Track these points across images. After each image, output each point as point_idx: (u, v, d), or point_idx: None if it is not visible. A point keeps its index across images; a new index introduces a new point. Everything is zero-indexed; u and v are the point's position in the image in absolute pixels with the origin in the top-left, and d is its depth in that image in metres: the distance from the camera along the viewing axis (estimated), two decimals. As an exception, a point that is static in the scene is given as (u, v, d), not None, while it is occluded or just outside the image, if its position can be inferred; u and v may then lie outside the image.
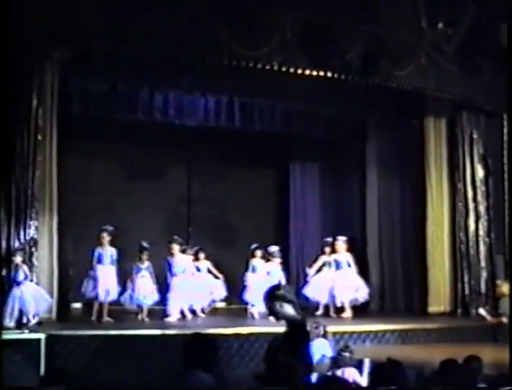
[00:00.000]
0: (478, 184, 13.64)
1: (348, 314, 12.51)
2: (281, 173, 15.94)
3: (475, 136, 13.71)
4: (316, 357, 8.20)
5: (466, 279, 13.40)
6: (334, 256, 12.88)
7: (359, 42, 11.43)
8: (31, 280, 10.20)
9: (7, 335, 8.46)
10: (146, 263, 12.05)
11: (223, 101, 13.07)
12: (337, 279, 12.73)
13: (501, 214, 13.44)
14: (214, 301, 13.13)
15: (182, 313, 11.86)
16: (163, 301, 11.85)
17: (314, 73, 11.36)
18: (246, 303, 12.47)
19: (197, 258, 12.84)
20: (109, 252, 11.55)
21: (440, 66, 12.35)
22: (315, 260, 13.22)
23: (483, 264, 13.53)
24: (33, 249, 10.41)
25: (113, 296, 11.52)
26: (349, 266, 12.78)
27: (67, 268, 11.64)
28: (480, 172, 13.66)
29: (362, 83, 11.84)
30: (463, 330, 11.61)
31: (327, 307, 12.82)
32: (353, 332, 10.82)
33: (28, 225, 10.37)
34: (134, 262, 12.21)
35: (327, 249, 13.08)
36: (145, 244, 12.13)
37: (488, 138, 13.76)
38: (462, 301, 13.38)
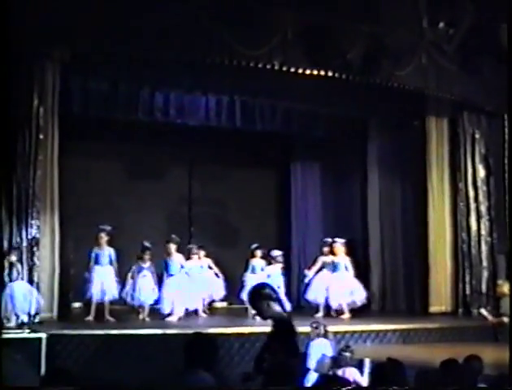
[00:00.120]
0: (479, 183, 13.63)
1: (346, 315, 12.49)
2: (282, 173, 15.94)
3: (476, 136, 13.70)
4: (316, 357, 8.22)
5: (467, 278, 13.40)
6: (332, 258, 12.84)
7: (360, 42, 11.42)
8: (22, 278, 10.18)
9: (8, 335, 8.46)
10: (148, 263, 12.05)
11: (224, 101, 13.07)
12: (333, 281, 12.68)
13: (502, 213, 13.44)
14: (213, 300, 13.13)
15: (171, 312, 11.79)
16: (158, 300, 11.84)
17: (315, 73, 11.35)
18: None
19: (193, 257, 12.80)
20: (106, 252, 11.51)
21: (441, 66, 12.34)
22: (314, 261, 13.22)
23: (484, 264, 13.52)
24: (35, 249, 10.42)
25: (112, 295, 11.49)
26: (347, 269, 12.72)
27: (68, 267, 11.67)
28: (482, 172, 13.65)
29: (363, 83, 11.83)
30: (464, 330, 11.61)
31: (327, 308, 12.79)
32: (354, 332, 10.82)
33: (29, 224, 10.38)
34: (136, 261, 12.22)
35: (326, 250, 13.04)
36: (147, 244, 12.13)
37: (489, 138, 13.75)
38: (463, 301, 13.37)
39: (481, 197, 13.62)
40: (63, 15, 10.00)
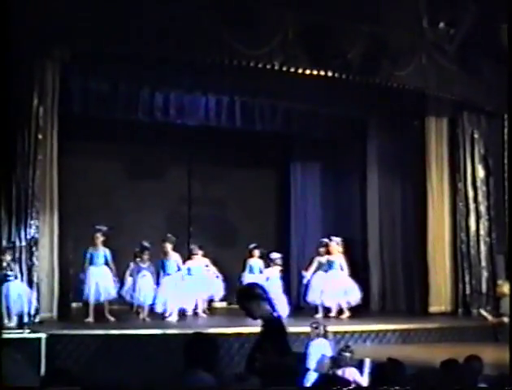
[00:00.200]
0: (478, 184, 13.63)
1: (346, 314, 12.46)
2: (282, 173, 15.93)
3: (475, 136, 13.70)
4: (316, 357, 8.22)
5: (466, 279, 13.40)
6: (327, 257, 12.80)
7: (360, 42, 11.42)
8: (16, 278, 10.16)
9: (7, 335, 8.46)
10: (147, 263, 12.04)
11: (224, 101, 13.08)
12: (327, 280, 12.65)
13: (501, 214, 13.44)
14: (212, 300, 13.13)
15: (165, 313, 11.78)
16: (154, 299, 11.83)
17: (315, 73, 11.35)
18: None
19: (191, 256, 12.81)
20: (101, 252, 11.43)
21: (441, 66, 12.34)
22: (310, 262, 13.21)
23: (483, 264, 13.53)
24: (34, 249, 10.41)
25: (108, 295, 11.44)
26: (342, 268, 12.68)
27: (67, 267, 11.66)
28: (481, 172, 13.66)
29: (363, 83, 11.83)
30: (464, 330, 11.61)
31: (327, 308, 12.76)
32: (354, 332, 10.82)
33: (28, 224, 10.37)
34: (133, 260, 12.23)
35: (322, 250, 13.01)
36: (146, 244, 12.12)
37: (488, 138, 13.75)
38: (462, 301, 13.37)
39: (480, 197, 13.63)
40: (63, 15, 10.00)
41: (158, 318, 11.61)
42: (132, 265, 12.35)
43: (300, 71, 11.30)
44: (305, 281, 13.09)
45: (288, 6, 11.02)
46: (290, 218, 15.64)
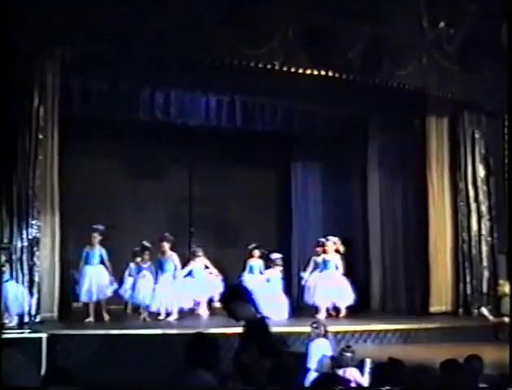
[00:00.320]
0: (479, 183, 13.63)
1: (343, 313, 12.44)
2: (283, 172, 15.92)
3: (476, 135, 13.69)
4: (317, 357, 8.23)
5: (468, 278, 13.39)
6: (323, 256, 12.77)
7: (361, 42, 11.42)
8: (11, 278, 10.15)
9: (8, 335, 8.45)
10: (148, 263, 12.04)
11: (225, 101, 13.07)
12: (320, 280, 12.62)
13: (502, 213, 13.42)
14: (212, 300, 13.12)
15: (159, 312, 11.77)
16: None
17: (316, 72, 11.35)
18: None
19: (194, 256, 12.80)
20: (97, 252, 11.43)
21: (442, 65, 12.33)
22: (308, 263, 13.19)
23: (485, 264, 13.52)
24: (35, 249, 10.41)
25: (103, 294, 11.42)
26: (337, 268, 12.65)
27: (68, 267, 11.66)
28: (482, 172, 13.65)
29: (364, 82, 11.84)
30: (465, 330, 11.59)
31: (328, 308, 12.76)
32: (355, 332, 10.81)
33: (29, 224, 10.37)
34: (134, 261, 12.22)
35: (319, 249, 12.97)
36: (146, 244, 12.12)
37: (489, 138, 13.74)
38: (463, 301, 13.36)
39: (481, 197, 13.62)
40: (64, 15, 10.00)
41: (155, 317, 11.59)
42: (131, 265, 12.35)
43: (300, 70, 11.30)
44: (303, 282, 13.08)
45: (288, 5, 11.01)
46: (291, 219, 15.63)
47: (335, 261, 12.65)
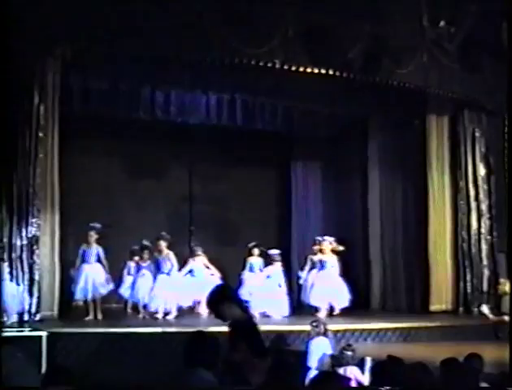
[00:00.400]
0: (480, 182, 13.62)
1: (337, 311, 12.43)
2: (283, 171, 15.93)
3: (476, 134, 13.69)
4: (317, 356, 8.24)
5: (468, 277, 13.39)
6: (320, 256, 12.75)
7: (361, 41, 11.41)
8: (10, 276, 10.15)
9: (8, 333, 8.45)
10: (147, 262, 12.03)
11: (225, 100, 13.08)
12: (318, 281, 12.59)
13: (503, 212, 13.42)
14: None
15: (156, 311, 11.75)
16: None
17: (316, 71, 11.34)
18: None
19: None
20: (94, 250, 11.40)
21: (442, 64, 12.32)
22: (305, 261, 13.18)
23: (485, 262, 13.52)
24: (35, 247, 10.41)
25: (99, 292, 11.41)
26: (333, 268, 12.62)
27: (68, 265, 11.66)
28: (482, 170, 13.65)
29: (364, 81, 11.83)
30: (465, 328, 11.58)
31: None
32: (355, 331, 10.81)
33: (29, 223, 10.37)
34: (133, 259, 12.22)
35: (316, 248, 12.95)
36: (146, 243, 12.11)
37: (489, 136, 13.74)
38: (463, 300, 13.36)
39: (481, 196, 13.62)
40: (64, 14, 10.00)
41: (152, 315, 11.59)
42: (130, 263, 12.35)
43: (301, 69, 11.29)
44: (301, 281, 13.07)
45: (288, 5, 11.00)
46: (291, 217, 15.64)
47: (332, 261, 12.64)
